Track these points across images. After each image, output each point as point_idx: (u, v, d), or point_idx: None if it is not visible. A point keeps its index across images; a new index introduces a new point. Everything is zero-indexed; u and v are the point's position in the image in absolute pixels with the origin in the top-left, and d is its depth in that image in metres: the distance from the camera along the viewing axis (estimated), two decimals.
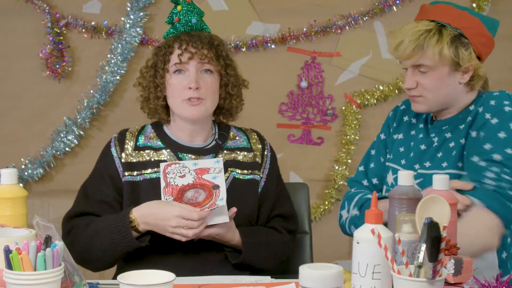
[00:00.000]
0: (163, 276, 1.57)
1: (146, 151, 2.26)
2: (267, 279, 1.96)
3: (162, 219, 2.06)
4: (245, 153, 2.30)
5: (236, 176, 2.26)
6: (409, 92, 2.16)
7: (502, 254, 2.11)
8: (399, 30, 2.13)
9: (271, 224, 2.31)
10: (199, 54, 2.20)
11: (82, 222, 2.20)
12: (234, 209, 2.12)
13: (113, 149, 2.27)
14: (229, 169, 2.26)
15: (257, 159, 2.31)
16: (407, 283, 1.46)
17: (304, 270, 1.43)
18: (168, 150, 2.25)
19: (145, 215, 2.10)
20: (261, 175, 2.30)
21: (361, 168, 2.36)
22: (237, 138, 2.34)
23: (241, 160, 2.28)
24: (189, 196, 2.12)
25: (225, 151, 2.29)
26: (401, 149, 2.28)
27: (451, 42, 2.08)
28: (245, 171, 2.28)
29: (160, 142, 2.27)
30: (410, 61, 2.12)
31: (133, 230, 2.11)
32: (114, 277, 2.19)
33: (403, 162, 2.25)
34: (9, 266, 1.49)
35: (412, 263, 1.48)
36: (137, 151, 2.26)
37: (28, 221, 1.87)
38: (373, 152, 2.36)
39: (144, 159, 2.24)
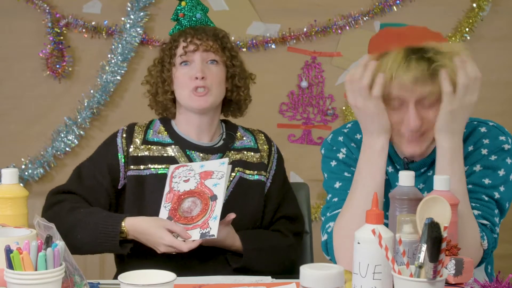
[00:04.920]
0: (164, 276, 1.56)
1: (155, 146, 2.26)
2: (267, 279, 1.95)
3: (153, 243, 2.09)
4: (252, 153, 2.31)
5: (243, 176, 2.26)
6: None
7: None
8: None
9: (276, 226, 2.30)
10: (204, 45, 2.21)
11: (67, 202, 2.19)
12: (232, 216, 2.11)
13: (119, 140, 2.27)
14: (235, 168, 2.26)
15: (263, 160, 2.31)
16: (408, 283, 1.46)
17: (305, 270, 1.43)
18: (177, 147, 2.26)
19: (137, 232, 2.10)
20: (267, 176, 2.30)
21: (336, 200, 2.04)
22: (244, 138, 2.34)
23: (248, 161, 2.29)
24: (185, 208, 2.11)
25: (232, 151, 2.29)
26: None
27: None
28: (252, 172, 2.28)
29: (169, 138, 2.28)
30: None
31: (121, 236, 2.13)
32: (115, 277, 2.19)
33: None
34: (10, 265, 1.49)
35: (412, 263, 1.48)
36: (145, 145, 2.26)
37: (28, 221, 1.87)
38: (337, 185, 2.04)
39: (153, 154, 2.25)
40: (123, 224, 2.10)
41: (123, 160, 2.24)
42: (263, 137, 2.36)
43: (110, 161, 2.25)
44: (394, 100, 1.83)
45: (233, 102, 2.32)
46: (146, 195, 2.20)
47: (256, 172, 2.28)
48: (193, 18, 2.29)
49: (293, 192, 2.38)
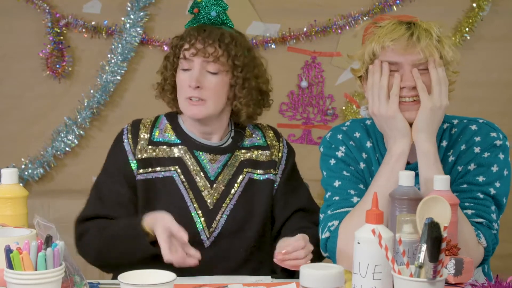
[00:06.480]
0: (164, 275, 1.57)
1: (160, 146, 2.17)
2: (267, 279, 1.95)
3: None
4: (261, 151, 2.25)
5: (252, 177, 2.20)
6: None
7: None
8: None
9: (300, 224, 2.19)
10: (202, 52, 2.10)
11: (95, 227, 2.12)
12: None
13: (125, 142, 2.18)
14: (244, 169, 2.20)
15: (273, 157, 2.25)
16: (408, 283, 1.46)
17: (305, 270, 1.43)
18: (184, 147, 2.18)
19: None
20: (277, 172, 2.24)
21: (337, 198, 2.06)
22: (253, 135, 2.27)
23: (257, 160, 2.23)
24: None
25: (241, 150, 2.23)
26: None
27: None
28: (261, 171, 2.22)
29: (175, 137, 2.20)
30: None
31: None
32: (115, 277, 2.18)
33: None
34: (10, 265, 1.49)
35: (412, 263, 1.48)
36: (151, 146, 2.17)
37: (28, 221, 1.87)
38: (337, 183, 2.07)
39: (159, 156, 2.16)
40: (143, 224, 2.03)
41: (135, 165, 2.16)
42: (272, 134, 2.31)
43: (124, 169, 2.16)
44: (392, 66, 1.89)
45: (236, 108, 2.21)
46: (152, 200, 2.15)
47: (266, 171, 2.22)
48: (208, 16, 2.17)
49: (304, 185, 2.32)
